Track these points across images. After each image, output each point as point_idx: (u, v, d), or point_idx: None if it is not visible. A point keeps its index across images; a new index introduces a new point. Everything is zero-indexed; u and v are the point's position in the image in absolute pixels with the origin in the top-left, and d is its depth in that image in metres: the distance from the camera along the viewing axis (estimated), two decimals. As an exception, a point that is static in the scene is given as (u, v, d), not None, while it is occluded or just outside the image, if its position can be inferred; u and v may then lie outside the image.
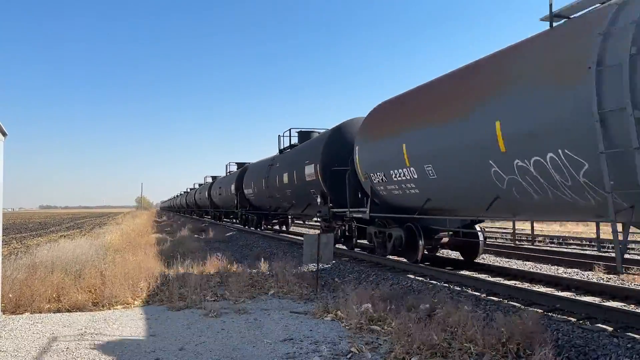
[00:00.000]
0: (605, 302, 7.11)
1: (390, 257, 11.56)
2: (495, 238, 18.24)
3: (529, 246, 14.52)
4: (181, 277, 9.70)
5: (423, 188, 9.22)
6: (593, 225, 13.17)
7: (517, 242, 16.08)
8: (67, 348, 5.68)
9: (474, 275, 9.51)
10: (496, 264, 10.94)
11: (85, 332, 6.40)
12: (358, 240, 13.00)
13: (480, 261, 11.05)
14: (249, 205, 24.63)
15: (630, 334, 5.44)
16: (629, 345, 5.01)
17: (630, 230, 6.17)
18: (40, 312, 7.54)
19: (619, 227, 5.82)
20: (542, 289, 8.06)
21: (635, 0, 5.38)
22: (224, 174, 33.89)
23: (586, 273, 9.71)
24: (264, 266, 11.33)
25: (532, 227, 12.65)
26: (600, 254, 11.03)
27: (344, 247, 13.98)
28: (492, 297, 7.64)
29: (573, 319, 6.16)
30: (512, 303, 7.16)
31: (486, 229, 17.35)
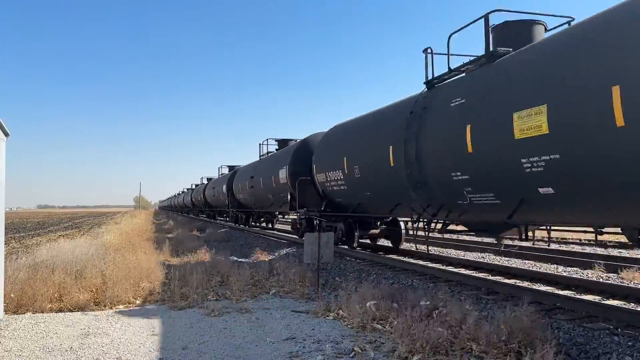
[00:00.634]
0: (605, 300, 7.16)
1: (360, 250, 11.80)
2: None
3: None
4: (182, 277, 9.71)
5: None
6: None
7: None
8: (71, 347, 5.70)
9: (474, 275, 9.56)
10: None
11: (88, 331, 6.42)
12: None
13: (406, 248, 13.55)
14: (238, 205, 27.15)
15: (629, 331, 5.48)
16: (629, 344, 5.06)
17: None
18: (43, 312, 7.56)
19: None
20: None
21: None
22: (217, 176, 36.47)
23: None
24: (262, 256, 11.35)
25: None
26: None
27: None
28: (492, 296, 7.68)
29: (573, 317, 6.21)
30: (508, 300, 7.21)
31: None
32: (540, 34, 7.90)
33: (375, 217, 12.90)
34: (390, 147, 9.86)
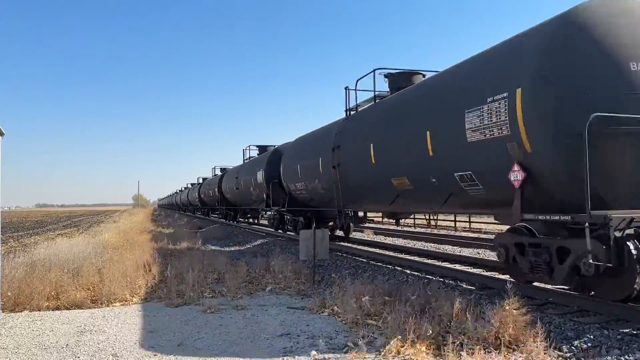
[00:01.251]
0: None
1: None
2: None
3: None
4: (179, 275, 9.77)
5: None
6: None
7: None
8: (67, 345, 5.75)
9: (468, 270, 9.62)
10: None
11: (85, 329, 6.48)
12: (283, 225, 19.36)
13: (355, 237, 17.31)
14: (227, 203, 30.40)
15: (619, 326, 5.55)
16: (619, 337, 5.12)
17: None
18: (39, 310, 7.61)
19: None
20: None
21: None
22: (211, 176, 40.10)
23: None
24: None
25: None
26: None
27: (278, 230, 20.07)
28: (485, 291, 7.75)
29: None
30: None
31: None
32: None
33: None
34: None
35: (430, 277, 9.19)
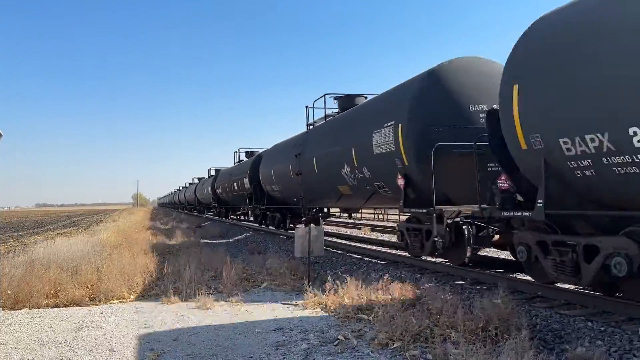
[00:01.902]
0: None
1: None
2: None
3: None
4: (176, 272, 9.91)
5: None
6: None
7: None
8: (65, 340, 5.89)
9: (461, 267, 9.74)
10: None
11: (83, 325, 6.62)
12: (265, 221, 22.21)
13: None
14: (220, 202, 33.28)
15: (603, 318, 5.69)
16: (602, 329, 5.26)
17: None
18: (39, 308, 7.74)
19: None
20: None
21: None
22: (206, 176, 43.14)
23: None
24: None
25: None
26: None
27: (262, 225, 22.80)
28: (476, 286, 7.89)
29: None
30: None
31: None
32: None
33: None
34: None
35: (423, 272, 9.32)
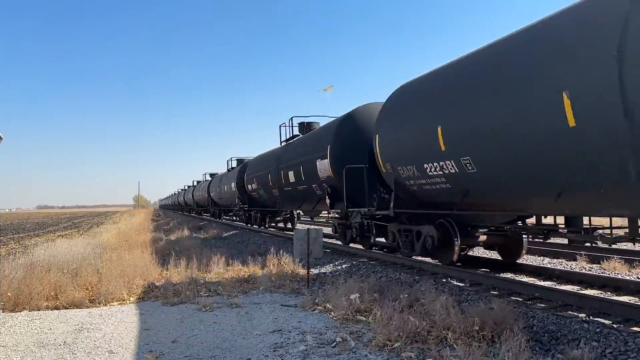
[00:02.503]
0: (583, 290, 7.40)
1: (355, 246, 12.17)
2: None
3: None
4: (176, 273, 9.94)
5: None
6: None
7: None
8: (65, 342, 5.93)
9: (459, 269, 9.78)
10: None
11: (82, 327, 6.66)
12: (250, 220, 25.66)
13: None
14: (214, 204, 36.60)
15: (599, 319, 5.72)
16: (598, 330, 5.29)
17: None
18: (39, 310, 7.78)
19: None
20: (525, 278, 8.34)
21: None
22: (203, 180, 46.54)
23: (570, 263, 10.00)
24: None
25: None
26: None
27: (248, 225, 26.16)
28: (475, 287, 7.92)
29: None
30: (493, 292, 7.45)
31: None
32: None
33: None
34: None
35: (421, 274, 9.35)
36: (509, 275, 8.86)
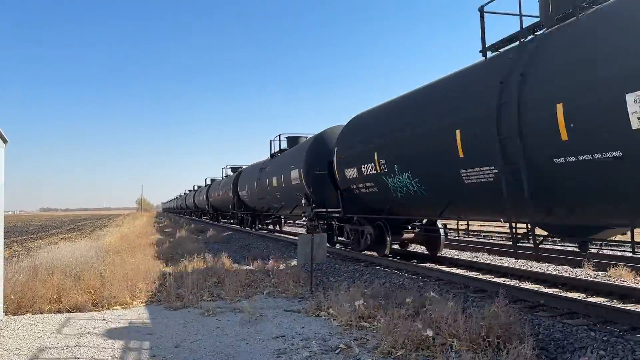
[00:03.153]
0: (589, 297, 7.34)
1: (368, 252, 12.34)
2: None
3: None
4: (179, 278, 9.92)
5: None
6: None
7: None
8: (67, 346, 5.90)
9: (462, 273, 9.74)
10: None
11: (85, 331, 6.63)
12: (243, 223, 28.38)
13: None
14: (213, 208, 39.10)
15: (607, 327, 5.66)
16: (604, 338, 5.24)
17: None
18: (42, 313, 7.77)
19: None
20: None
21: None
22: (204, 184, 49.04)
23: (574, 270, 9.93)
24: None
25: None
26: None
27: (241, 226, 29.07)
28: (479, 294, 7.87)
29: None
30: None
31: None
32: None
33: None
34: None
35: (426, 280, 9.30)
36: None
